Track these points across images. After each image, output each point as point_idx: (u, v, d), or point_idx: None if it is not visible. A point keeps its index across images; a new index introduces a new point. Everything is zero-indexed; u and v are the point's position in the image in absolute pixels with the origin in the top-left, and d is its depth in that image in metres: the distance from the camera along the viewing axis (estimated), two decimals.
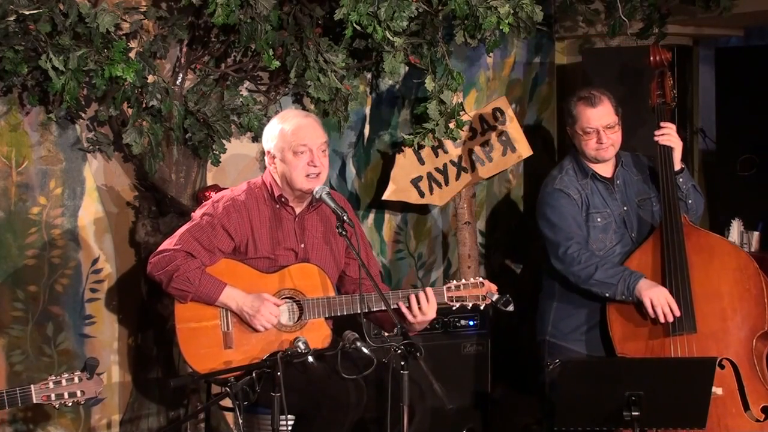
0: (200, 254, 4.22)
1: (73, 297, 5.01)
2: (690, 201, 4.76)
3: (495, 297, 4.26)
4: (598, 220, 4.71)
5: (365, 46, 5.18)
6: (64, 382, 3.90)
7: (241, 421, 3.77)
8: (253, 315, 4.17)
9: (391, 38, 4.82)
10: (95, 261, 5.06)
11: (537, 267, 5.18)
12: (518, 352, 5.79)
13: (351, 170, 5.72)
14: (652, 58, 4.90)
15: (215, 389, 4.64)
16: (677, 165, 4.72)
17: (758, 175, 5.96)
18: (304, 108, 5.39)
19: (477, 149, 5.69)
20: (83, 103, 4.83)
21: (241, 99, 5.05)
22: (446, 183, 5.66)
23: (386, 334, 4.87)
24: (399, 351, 3.83)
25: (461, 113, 5.27)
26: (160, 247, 4.27)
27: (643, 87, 5.81)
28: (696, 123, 6.39)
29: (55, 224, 4.95)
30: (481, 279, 4.32)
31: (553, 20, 6.19)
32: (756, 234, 5.83)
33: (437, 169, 5.63)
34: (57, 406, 3.93)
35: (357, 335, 3.98)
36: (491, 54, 5.74)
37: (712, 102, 6.29)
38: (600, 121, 4.68)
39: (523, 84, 6.23)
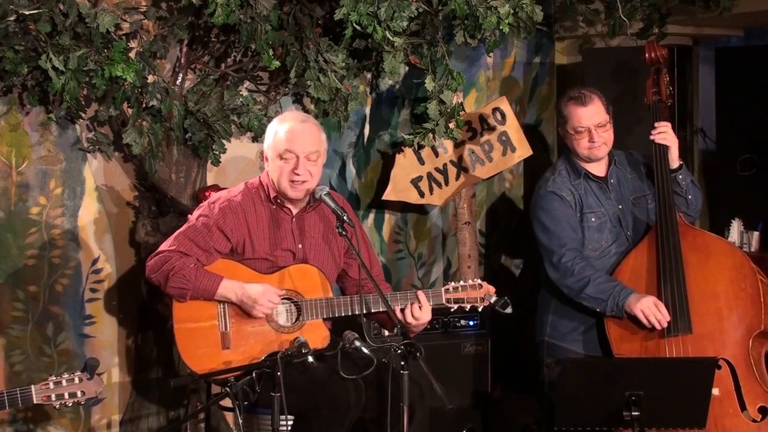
0: (196, 254, 4.22)
1: (73, 297, 5.01)
2: (690, 196, 4.76)
3: (493, 299, 4.26)
4: (593, 220, 4.70)
5: (365, 46, 5.18)
6: (64, 383, 3.90)
7: (241, 421, 3.77)
8: (252, 303, 4.17)
9: (391, 38, 4.81)
10: (95, 261, 5.06)
11: (537, 267, 5.18)
12: (518, 352, 5.79)
13: (351, 170, 5.72)
14: (647, 55, 4.88)
15: (215, 389, 4.64)
16: (675, 162, 4.70)
17: (758, 175, 5.96)
18: (304, 108, 5.39)
19: (477, 149, 5.69)
20: (83, 103, 4.83)
21: (241, 99, 5.06)
22: (446, 183, 5.66)
23: (386, 333, 4.88)
24: (399, 351, 3.83)
25: (461, 113, 5.27)
26: (157, 250, 4.27)
27: (643, 87, 5.83)
28: (696, 123, 6.39)
29: (55, 224, 4.95)
30: (479, 281, 4.32)
31: (553, 20, 6.19)
32: (756, 234, 5.83)
33: (437, 169, 5.63)
34: (57, 406, 3.93)
35: (357, 335, 3.98)
36: (491, 54, 5.74)
37: (712, 102, 6.28)
38: (591, 120, 4.67)
39: (523, 84, 6.23)
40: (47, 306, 4.94)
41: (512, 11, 4.86)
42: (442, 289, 4.30)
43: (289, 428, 4.19)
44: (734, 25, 6.15)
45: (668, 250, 4.54)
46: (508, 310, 4.26)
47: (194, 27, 4.96)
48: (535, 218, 4.74)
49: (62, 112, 4.78)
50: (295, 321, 4.27)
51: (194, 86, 4.99)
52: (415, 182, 5.62)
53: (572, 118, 4.69)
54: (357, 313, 4.22)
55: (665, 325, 4.44)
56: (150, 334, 5.12)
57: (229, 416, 5.13)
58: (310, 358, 3.92)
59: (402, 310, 4.24)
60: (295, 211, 4.36)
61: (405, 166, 5.61)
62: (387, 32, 4.79)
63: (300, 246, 4.33)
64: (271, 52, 4.82)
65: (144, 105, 4.76)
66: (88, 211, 5.03)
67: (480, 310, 4.33)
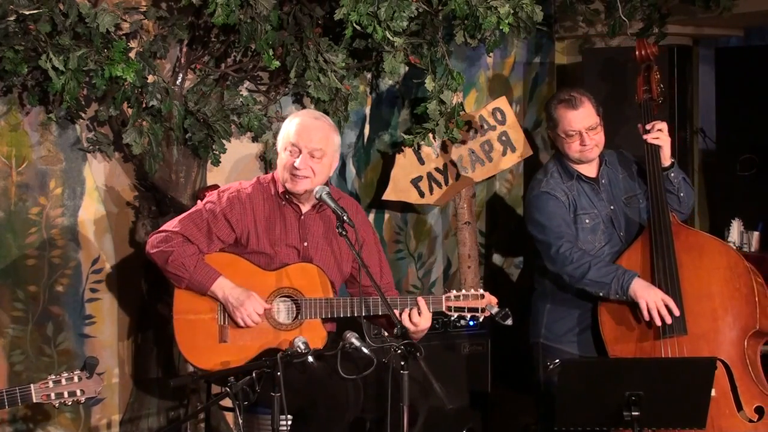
0: (198, 240, 4.24)
1: (73, 297, 5.01)
2: (682, 194, 4.73)
3: (495, 310, 4.22)
4: (587, 221, 4.67)
5: (365, 46, 5.18)
6: (63, 382, 3.90)
7: (241, 421, 3.76)
8: (236, 307, 4.18)
9: (391, 38, 4.81)
10: (95, 261, 5.05)
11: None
12: (518, 352, 5.78)
13: (351, 170, 5.72)
14: (638, 52, 4.84)
15: (215, 389, 4.64)
16: (667, 160, 4.68)
17: (758, 175, 5.96)
18: (304, 108, 5.39)
19: (477, 149, 5.69)
20: (83, 103, 4.83)
21: (241, 99, 5.06)
22: (446, 183, 5.66)
23: (386, 334, 4.88)
24: (399, 351, 3.83)
25: (461, 113, 5.27)
26: (161, 228, 4.31)
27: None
28: (696, 123, 6.39)
29: (55, 224, 4.95)
30: (482, 291, 4.29)
31: (553, 20, 6.19)
32: (756, 234, 5.82)
33: (437, 169, 5.63)
34: (57, 405, 3.93)
35: (357, 335, 3.98)
36: (491, 54, 5.74)
37: (712, 102, 6.29)
38: (582, 123, 4.64)
39: (523, 84, 6.23)
40: (47, 306, 4.94)
41: (512, 11, 4.86)
42: (444, 296, 4.27)
43: (289, 428, 4.19)
44: (734, 25, 6.15)
45: (662, 250, 4.52)
46: (509, 321, 4.23)
47: (194, 27, 4.96)
48: (530, 218, 4.72)
49: (62, 112, 4.78)
50: (294, 319, 4.27)
51: (194, 86, 4.99)
52: (415, 182, 5.62)
53: (563, 121, 4.65)
54: (356, 315, 4.22)
55: (668, 321, 4.42)
56: (150, 334, 5.12)
57: (229, 416, 5.13)
58: (310, 358, 3.92)
59: (400, 314, 4.23)
60: (304, 209, 4.36)
61: (405, 166, 5.61)
62: (387, 32, 4.79)
63: (305, 244, 4.33)
64: (271, 52, 4.82)
65: (144, 105, 4.76)
66: (88, 211, 5.03)
67: (481, 320, 4.31)
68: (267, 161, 5.36)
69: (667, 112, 5.93)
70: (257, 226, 4.29)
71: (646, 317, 4.43)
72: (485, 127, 5.70)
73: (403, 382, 3.81)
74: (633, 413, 3.94)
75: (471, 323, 5.31)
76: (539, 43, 6.23)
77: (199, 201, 4.41)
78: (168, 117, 4.86)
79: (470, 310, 4.27)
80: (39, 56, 4.49)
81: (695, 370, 4.06)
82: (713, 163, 6.38)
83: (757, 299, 4.47)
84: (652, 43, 4.95)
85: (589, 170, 4.75)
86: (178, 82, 4.99)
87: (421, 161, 5.61)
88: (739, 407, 4.39)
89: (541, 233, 4.66)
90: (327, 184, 4.38)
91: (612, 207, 4.72)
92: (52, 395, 3.90)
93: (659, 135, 4.66)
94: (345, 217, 4.14)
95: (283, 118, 5.20)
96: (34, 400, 3.90)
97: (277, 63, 4.85)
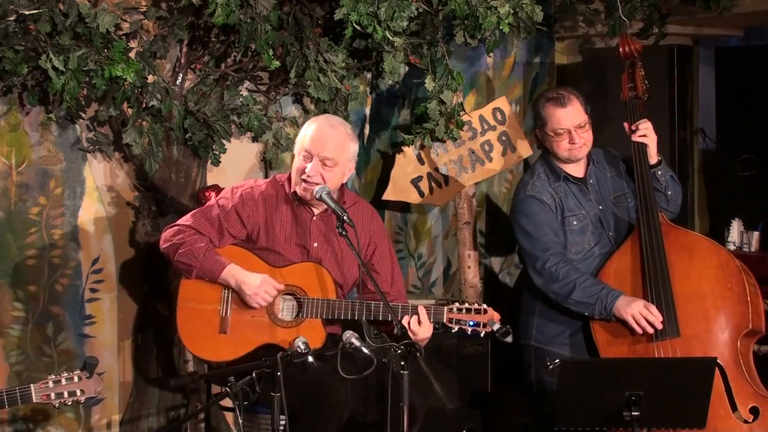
0: (210, 234, 4.30)
1: (73, 297, 5.01)
2: (669, 192, 4.67)
3: (496, 326, 4.19)
4: (574, 223, 4.61)
5: (365, 46, 5.18)
6: (63, 381, 3.90)
7: (241, 421, 3.77)
8: (249, 292, 4.21)
9: (391, 38, 4.82)
10: (95, 261, 5.05)
11: None
12: (518, 352, 5.78)
13: None
14: (621, 49, 4.77)
15: (215, 389, 4.65)
16: (654, 158, 4.62)
17: (758, 175, 5.96)
18: (304, 108, 5.39)
19: (477, 149, 5.69)
20: (83, 103, 4.83)
21: (241, 99, 5.06)
22: (446, 183, 5.66)
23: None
24: (399, 351, 3.83)
25: (461, 113, 5.27)
26: (175, 222, 4.36)
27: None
28: (696, 123, 6.39)
29: (55, 224, 4.95)
30: (485, 306, 4.26)
31: (553, 20, 6.20)
32: (756, 234, 5.82)
33: (437, 169, 5.63)
34: (57, 405, 3.93)
35: (357, 335, 3.98)
36: (491, 54, 5.74)
37: (712, 102, 6.29)
38: (571, 121, 4.57)
39: (523, 84, 6.23)
40: (47, 306, 4.94)
41: (512, 11, 4.86)
42: (446, 308, 4.25)
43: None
44: (734, 25, 6.15)
45: (652, 251, 4.47)
46: (509, 339, 4.20)
47: (194, 27, 4.96)
48: (516, 223, 4.65)
49: (62, 112, 4.78)
50: (295, 317, 4.28)
51: (194, 86, 4.99)
52: (415, 182, 5.62)
53: (551, 119, 4.58)
54: (357, 318, 4.22)
55: (659, 326, 4.38)
56: (150, 334, 5.12)
57: (229, 416, 5.13)
58: (310, 358, 3.92)
59: (400, 320, 4.22)
60: (316, 211, 4.37)
61: (405, 166, 5.61)
62: (387, 32, 4.79)
63: (315, 245, 4.35)
64: (271, 52, 4.82)
65: (144, 105, 4.76)
66: (88, 211, 5.03)
67: (482, 336, 4.28)
68: (267, 161, 5.36)
69: (667, 112, 5.94)
70: (268, 223, 4.32)
71: (638, 330, 4.40)
72: (485, 127, 5.70)
73: (403, 382, 3.81)
74: (633, 413, 3.93)
75: (471, 323, 5.34)
76: (539, 43, 6.23)
77: (213, 197, 4.44)
78: (168, 117, 4.86)
79: (472, 324, 4.25)
80: (39, 56, 4.49)
81: (695, 370, 4.05)
82: (713, 163, 6.38)
83: (749, 298, 4.43)
84: (636, 39, 4.88)
85: (577, 170, 4.68)
86: (178, 82, 4.99)
87: (421, 161, 5.61)
88: (734, 408, 4.35)
89: (528, 242, 4.59)
90: (342, 188, 4.39)
91: (600, 207, 4.65)
92: (52, 395, 3.90)
93: (646, 132, 4.61)
94: (345, 217, 4.15)
95: (283, 118, 5.21)
96: (34, 400, 3.90)
97: (277, 63, 4.85)
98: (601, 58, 5.92)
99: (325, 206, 4.33)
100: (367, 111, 5.76)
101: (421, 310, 4.22)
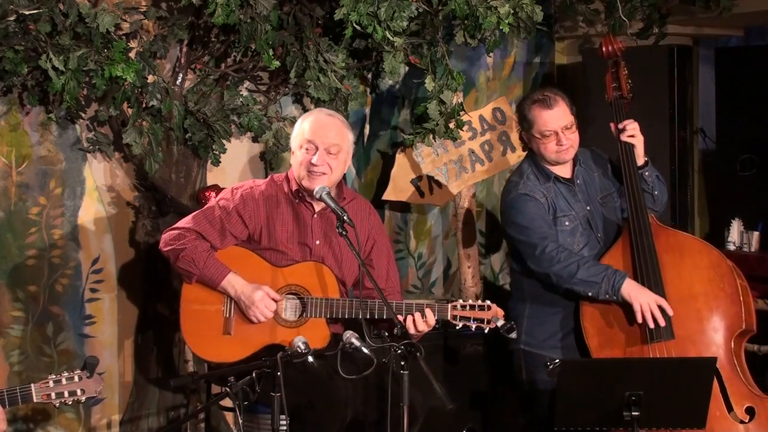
0: (211, 236, 4.27)
1: (73, 297, 5.01)
2: (656, 192, 4.64)
3: (500, 323, 4.19)
4: (566, 223, 4.55)
5: (365, 46, 5.18)
6: (64, 381, 3.90)
7: (241, 421, 3.76)
8: (249, 306, 4.20)
9: (391, 38, 4.82)
10: (95, 261, 5.05)
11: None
12: (508, 356, 5.77)
13: (351, 170, 5.72)
14: (604, 49, 4.73)
15: (215, 389, 4.65)
16: (641, 159, 4.59)
17: (758, 175, 5.96)
18: (304, 108, 5.39)
19: (477, 149, 5.69)
20: (83, 103, 4.83)
21: (241, 99, 5.06)
22: (446, 183, 5.66)
23: (387, 334, 4.88)
24: (399, 351, 3.83)
25: (461, 113, 5.27)
26: (175, 225, 4.33)
27: (643, 87, 5.83)
28: (696, 123, 6.39)
29: (55, 224, 4.95)
30: (488, 302, 4.26)
31: (553, 20, 6.20)
32: (756, 234, 5.82)
33: (437, 169, 5.63)
34: (57, 405, 3.93)
35: (357, 335, 3.98)
36: (491, 54, 5.74)
37: (712, 102, 6.29)
38: (558, 122, 4.52)
39: (523, 84, 6.23)
40: (47, 306, 4.94)
41: (512, 11, 4.86)
42: (450, 305, 4.26)
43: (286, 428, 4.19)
44: (734, 25, 6.15)
45: (643, 252, 4.44)
46: (513, 335, 4.20)
47: (194, 27, 4.96)
48: (509, 221, 4.58)
49: (62, 112, 4.78)
50: (299, 317, 4.28)
51: (194, 86, 4.99)
52: (415, 182, 5.62)
53: (538, 121, 4.53)
54: (359, 317, 4.22)
55: (662, 323, 4.35)
56: (150, 334, 5.13)
57: (229, 416, 5.13)
58: (310, 358, 3.92)
59: (404, 320, 4.23)
60: (317, 208, 4.37)
61: (405, 166, 5.61)
62: (387, 32, 4.79)
63: (317, 243, 4.34)
64: (271, 52, 4.82)
65: (144, 105, 4.76)
66: (88, 211, 5.03)
67: (486, 332, 4.28)
68: (267, 161, 5.36)
69: (667, 112, 5.94)
70: (270, 223, 4.31)
71: (639, 320, 4.35)
72: (485, 127, 5.70)
73: (403, 382, 3.81)
74: (633, 413, 3.93)
75: (474, 320, 5.33)
76: (539, 43, 6.23)
77: (213, 196, 4.43)
78: (168, 117, 4.86)
79: (476, 320, 4.26)
80: (39, 56, 4.49)
81: (695, 370, 4.05)
82: (713, 163, 6.38)
83: (741, 298, 4.40)
84: (618, 38, 4.83)
85: (564, 171, 4.62)
86: (178, 82, 4.99)
87: (421, 161, 5.61)
88: (730, 408, 4.33)
89: (523, 235, 4.51)
90: (341, 185, 4.40)
91: (588, 208, 4.60)
92: (53, 395, 3.89)
93: (633, 132, 4.57)
94: (345, 217, 4.15)
95: (283, 118, 5.21)
96: (35, 400, 3.89)
97: (277, 63, 4.85)
98: (601, 59, 5.91)
99: (325, 204, 4.33)
100: (367, 111, 5.76)
101: (428, 312, 4.22)
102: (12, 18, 4.40)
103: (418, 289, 5.97)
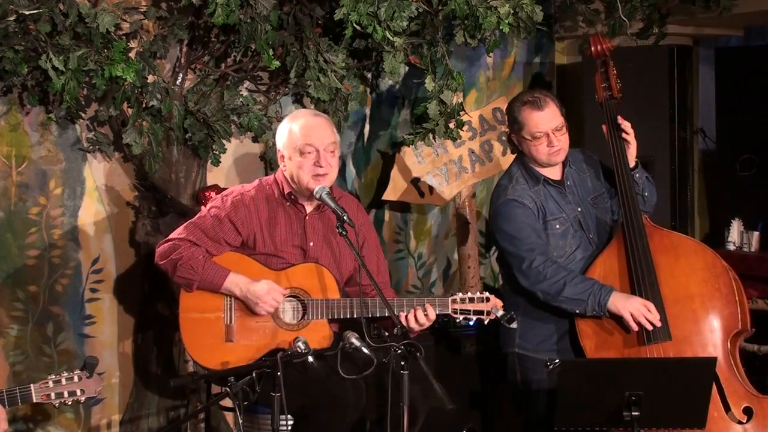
0: (205, 244, 4.26)
1: (73, 297, 5.01)
2: (646, 194, 4.61)
3: (500, 313, 4.22)
4: (557, 226, 4.52)
5: (365, 46, 5.18)
6: (63, 381, 3.90)
7: (241, 421, 3.77)
8: (256, 300, 4.19)
9: (391, 38, 4.82)
10: (95, 261, 5.05)
11: None
12: (502, 360, 5.76)
13: (351, 170, 5.72)
14: (593, 48, 4.67)
15: (215, 389, 4.64)
16: (632, 161, 4.56)
17: (758, 175, 5.96)
18: (304, 108, 5.39)
19: (477, 149, 5.70)
20: (83, 103, 4.83)
21: (241, 99, 5.06)
22: (446, 183, 5.66)
23: (387, 333, 4.88)
24: (399, 351, 3.83)
25: (461, 113, 5.27)
26: (168, 237, 4.31)
27: (643, 87, 5.84)
28: (696, 123, 6.39)
29: (55, 224, 4.95)
30: (487, 294, 4.28)
31: (553, 20, 6.20)
32: (756, 234, 5.82)
33: (437, 169, 5.63)
34: (57, 405, 3.93)
35: (357, 335, 3.98)
36: (491, 54, 5.74)
37: (712, 102, 6.29)
38: (549, 124, 4.47)
39: (523, 84, 6.23)
40: (47, 306, 4.94)
41: (512, 11, 4.86)
42: (450, 299, 4.27)
43: (290, 428, 4.19)
44: (734, 25, 6.16)
45: (638, 254, 4.41)
46: (514, 325, 4.23)
47: (194, 27, 4.96)
48: (497, 228, 4.54)
49: (62, 112, 4.78)
50: (300, 319, 4.28)
51: (194, 86, 4.99)
52: (415, 182, 5.62)
53: (529, 123, 4.48)
54: (361, 316, 4.22)
55: (659, 325, 4.35)
56: (150, 334, 5.13)
57: (229, 416, 5.13)
58: (310, 358, 3.92)
59: (406, 316, 4.24)
60: (308, 209, 4.37)
61: (405, 166, 5.61)
62: (387, 32, 4.79)
63: (311, 244, 4.34)
64: (271, 52, 4.82)
65: (144, 105, 4.76)
66: (88, 211, 5.03)
67: (486, 323, 4.30)
68: (267, 161, 5.36)
69: (668, 112, 5.94)
70: (262, 228, 4.30)
71: (634, 327, 4.34)
72: (485, 127, 5.71)
73: (403, 382, 3.81)
74: (633, 413, 3.93)
75: (471, 323, 5.34)
76: (539, 43, 6.23)
77: (202, 206, 4.40)
78: (168, 117, 4.86)
79: (475, 312, 4.27)
80: (39, 56, 4.49)
81: (695, 370, 4.05)
82: (713, 163, 6.38)
83: (737, 299, 4.39)
84: (608, 38, 4.78)
85: (554, 173, 4.58)
86: (178, 82, 4.99)
87: (421, 161, 5.61)
88: (727, 409, 4.32)
89: (511, 245, 4.48)
90: None
91: (579, 209, 4.57)
92: (52, 395, 3.89)
93: (629, 132, 4.55)
94: (345, 217, 4.15)
95: (283, 118, 5.21)
96: (34, 400, 3.89)
97: (277, 63, 4.86)
98: (591, 58, 5.91)
99: (316, 203, 4.33)
100: (367, 111, 5.76)
101: (429, 308, 4.24)
102: (12, 18, 4.40)
103: (418, 289, 5.97)
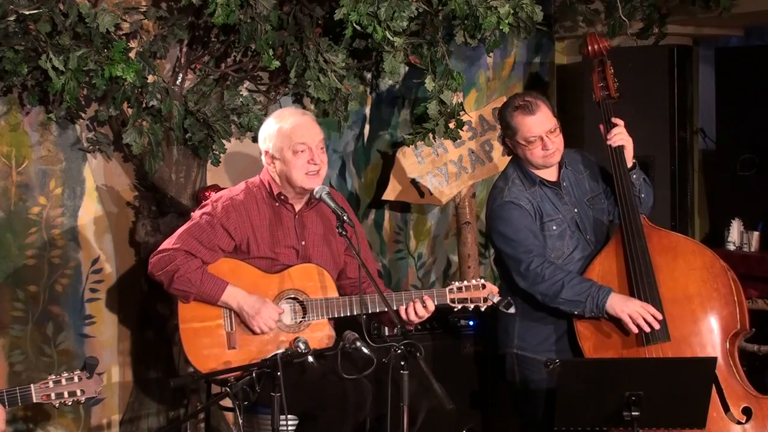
0: (200, 253, 4.22)
1: (73, 297, 5.01)
2: (643, 195, 4.59)
3: (496, 299, 4.25)
4: (554, 228, 4.50)
5: (365, 46, 5.18)
6: (63, 382, 3.90)
7: (241, 421, 3.77)
8: (252, 316, 4.18)
9: (391, 38, 4.82)
10: (95, 261, 5.06)
11: None
12: (500, 360, 5.76)
13: (351, 170, 5.72)
14: (590, 47, 4.65)
15: (215, 389, 4.64)
16: (630, 162, 4.54)
17: (758, 175, 5.95)
18: (304, 108, 5.39)
19: (477, 149, 5.69)
20: (83, 103, 4.83)
21: (241, 99, 5.06)
22: (446, 183, 5.66)
23: (387, 333, 4.88)
24: (399, 351, 3.83)
25: (461, 113, 5.27)
26: (160, 247, 4.27)
27: (643, 87, 5.83)
28: (696, 123, 6.39)
29: (55, 224, 4.95)
30: (482, 281, 4.31)
31: (553, 20, 6.19)
32: (756, 234, 5.82)
33: (437, 169, 5.63)
34: (57, 405, 3.93)
35: (357, 335, 3.98)
36: (491, 54, 5.73)
37: (712, 102, 6.29)
38: (542, 127, 4.44)
39: (523, 84, 6.23)
40: (47, 306, 4.94)
41: (512, 11, 4.86)
42: (447, 289, 4.29)
43: (290, 428, 4.19)
44: (734, 25, 6.15)
45: (636, 254, 4.40)
46: (511, 310, 4.25)
47: (194, 27, 4.96)
48: (495, 230, 4.53)
49: (62, 112, 4.78)
50: (301, 320, 4.27)
51: (194, 86, 4.99)
52: (415, 182, 5.62)
53: (522, 128, 4.45)
54: (360, 313, 4.22)
55: (657, 326, 4.33)
56: (150, 334, 5.13)
57: (229, 416, 5.13)
58: (310, 358, 3.92)
59: (406, 309, 4.24)
60: (297, 208, 4.36)
61: (405, 166, 5.61)
62: (387, 32, 4.79)
63: (303, 243, 4.34)
64: (271, 52, 4.82)
65: (144, 105, 4.77)
66: (88, 211, 5.03)
67: (483, 310, 4.31)
68: None
69: (668, 112, 5.94)
70: (255, 231, 4.28)
71: (633, 330, 4.33)
72: (485, 127, 5.71)
73: (403, 382, 3.82)
74: (633, 413, 3.93)
75: (471, 323, 5.34)
76: (539, 43, 6.23)
77: (192, 213, 4.36)
78: (168, 117, 4.86)
79: (473, 300, 4.28)
80: (39, 56, 4.49)
81: (695, 370, 4.05)
82: (713, 163, 6.38)
83: (736, 299, 4.38)
84: (604, 37, 4.75)
85: (550, 174, 4.56)
86: (178, 82, 5.00)
87: (421, 161, 5.61)
88: (726, 409, 4.31)
89: (509, 247, 4.47)
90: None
91: (576, 210, 4.55)
92: (53, 395, 3.89)
93: (623, 137, 4.52)
94: (345, 217, 4.15)
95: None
96: (35, 400, 3.89)
97: (277, 63, 4.86)
98: (588, 58, 5.90)
99: (304, 202, 4.33)
100: (367, 111, 5.76)
101: (428, 300, 4.25)
102: (12, 18, 4.41)
103: (418, 289, 5.97)
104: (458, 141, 5.55)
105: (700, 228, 6.46)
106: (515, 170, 4.57)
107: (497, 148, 5.70)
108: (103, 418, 5.10)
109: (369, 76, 5.67)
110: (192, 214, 4.35)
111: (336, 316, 4.27)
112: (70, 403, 3.93)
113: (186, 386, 5.05)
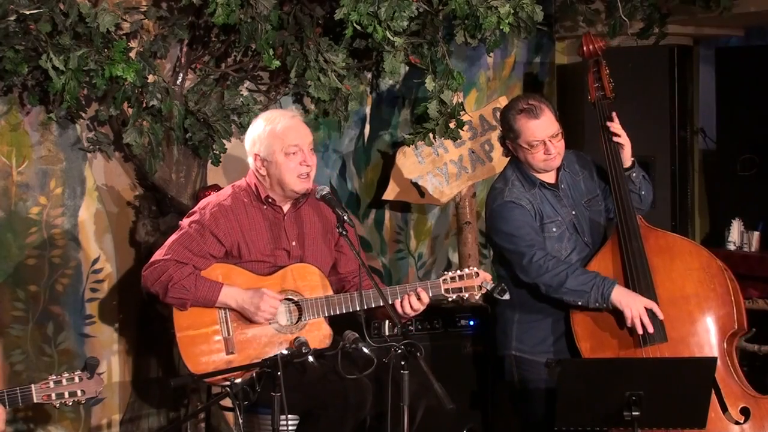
0: (192, 261, 4.20)
1: (73, 297, 5.01)
2: (643, 192, 4.59)
3: (490, 286, 4.25)
4: (554, 229, 4.49)
5: (365, 46, 5.18)
6: (64, 382, 3.90)
7: (241, 421, 3.77)
8: (254, 310, 4.17)
9: (391, 38, 4.82)
10: (95, 261, 5.06)
11: None
12: (498, 362, 5.76)
13: (351, 170, 5.73)
14: (585, 48, 4.63)
15: (215, 389, 4.64)
16: (628, 161, 4.52)
17: (758, 175, 5.96)
18: (304, 108, 5.40)
19: (477, 149, 5.70)
20: (83, 102, 4.83)
21: (241, 99, 5.06)
22: (446, 183, 5.66)
23: (387, 333, 4.88)
24: (399, 351, 3.83)
25: (461, 113, 5.27)
26: (152, 259, 4.24)
27: (643, 87, 5.84)
28: (696, 123, 6.39)
29: (55, 224, 4.95)
30: (475, 269, 4.30)
31: (553, 20, 6.19)
32: (756, 234, 5.82)
33: (437, 169, 5.63)
34: (57, 405, 3.93)
35: (357, 335, 3.98)
36: (491, 54, 5.74)
37: (712, 102, 6.29)
38: (545, 132, 4.43)
39: (523, 83, 6.23)
40: (47, 306, 4.94)
41: (512, 11, 4.86)
42: (441, 279, 4.28)
43: (291, 428, 4.18)
44: (734, 25, 6.16)
45: (633, 255, 4.40)
46: (506, 296, 4.24)
47: (194, 27, 4.97)
48: (495, 230, 4.52)
49: (62, 111, 4.78)
50: (297, 321, 4.27)
51: (194, 86, 4.99)
52: (415, 182, 5.62)
53: (525, 131, 4.43)
54: (356, 309, 4.21)
55: (651, 330, 4.32)
56: (150, 334, 5.12)
57: (229, 416, 5.13)
58: (311, 358, 3.92)
59: (401, 303, 4.24)
60: (286, 208, 4.35)
61: (405, 166, 5.61)
62: (387, 32, 4.79)
63: (294, 243, 4.33)
64: (271, 52, 4.82)
65: (144, 105, 4.77)
66: (88, 211, 5.03)
67: (478, 297, 4.32)
68: None
69: (668, 112, 5.94)
70: (245, 235, 4.26)
71: (630, 324, 4.32)
72: (485, 127, 5.71)
73: (403, 382, 3.82)
74: (633, 413, 3.93)
75: (471, 323, 5.34)
76: (539, 43, 6.23)
77: (181, 222, 4.33)
78: (168, 117, 4.87)
79: (467, 289, 4.28)
80: (39, 56, 4.49)
81: (695, 370, 4.05)
82: (713, 163, 6.38)
83: (733, 299, 4.37)
84: (600, 37, 4.73)
85: (549, 176, 4.55)
86: (178, 82, 5.00)
87: (421, 161, 5.61)
88: (724, 409, 4.31)
89: (511, 243, 4.46)
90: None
91: (574, 212, 4.54)
92: (53, 395, 3.89)
93: (619, 134, 4.50)
94: (345, 217, 4.15)
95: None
96: (35, 401, 3.89)
97: (277, 63, 4.86)
98: (583, 58, 5.90)
99: (292, 202, 4.32)
100: (367, 111, 5.76)
101: (422, 292, 4.25)
102: (12, 18, 4.41)
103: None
104: (458, 141, 5.55)
105: (701, 228, 6.46)
106: (514, 172, 4.56)
107: (497, 148, 5.69)
108: (103, 418, 5.10)
109: (369, 76, 5.67)
110: (180, 222, 4.31)
111: (332, 313, 4.27)
112: (70, 404, 3.93)
113: (186, 386, 5.05)
